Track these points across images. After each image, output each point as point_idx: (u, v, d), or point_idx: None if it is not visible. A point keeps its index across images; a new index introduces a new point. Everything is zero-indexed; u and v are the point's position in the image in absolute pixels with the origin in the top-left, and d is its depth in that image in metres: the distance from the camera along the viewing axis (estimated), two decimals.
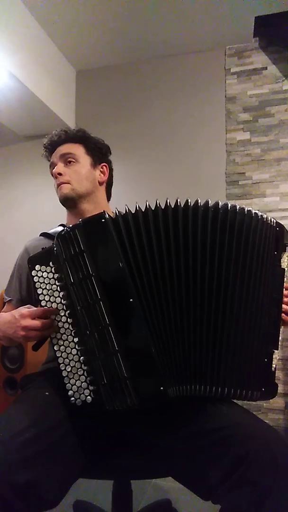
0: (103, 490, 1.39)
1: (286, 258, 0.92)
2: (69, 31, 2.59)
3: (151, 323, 0.77)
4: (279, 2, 2.34)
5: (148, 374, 0.75)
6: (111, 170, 1.25)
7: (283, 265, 0.89)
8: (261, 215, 0.85)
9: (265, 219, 0.86)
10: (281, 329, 0.88)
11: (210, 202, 0.83)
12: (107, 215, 0.80)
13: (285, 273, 0.92)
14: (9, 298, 1.14)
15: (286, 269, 0.91)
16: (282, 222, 2.90)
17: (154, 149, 2.81)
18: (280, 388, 2.43)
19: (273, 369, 0.85)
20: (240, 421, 0.76)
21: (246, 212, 0.83)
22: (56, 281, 0.85)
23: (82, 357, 0.80)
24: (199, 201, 0.82)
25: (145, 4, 2.34)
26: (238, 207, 0.83)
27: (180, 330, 0.79)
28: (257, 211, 0.85)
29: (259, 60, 2.64)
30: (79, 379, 0.79)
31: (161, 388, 0.73)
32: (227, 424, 0.75)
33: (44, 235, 1.15)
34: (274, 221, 0.88)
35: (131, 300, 0.76)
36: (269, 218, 0.87)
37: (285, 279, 0.91)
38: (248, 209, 0.84)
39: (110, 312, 0.76)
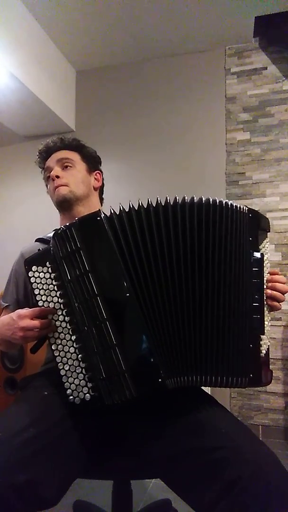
0: (103, 490, 1.40)
1: (267, 244, 0.93)
2: (69, 31, 2.59)
3: (147, 316, 0.79)
4: (279, 2, 2.34)
5: (146, 366, 0.76)
6: (103, 179, 1.28)
7: (263, 250, 0.91)
8: (234, 205, 0.87)
9: (237, 208, 0.88)
10: (268, 317, 0.89)
11: (195, 198, 0.85)
12: (102, 213, 0.82)
13: (268, 259, 0.94)
14: (6, 304, 1.15)
15: (267, 255, 0.93)
16: (282, 222, 2.89)
17: (154, 149, 2.81)
18: (280, 388, 2.43)
19: (262, 354, 0.85)
20: (236, 442, 0.74)
21: (224, 204, 0.86)
22: (53, 281, 0.86)
23: (80, 355, 0.81)
24: (186, 197, 0.85)
25: (145, 4, 2.34)
26: (218, 200, 0.85)
27: (176, 322, 0.81)
28: (229, 201, 0.87)
29: (259, 60, 2.64)
30: (77, 377, 0.80)
31: (159, 380, 0.75)
32: (223, 445, 0.74)
33: (40, 240, 1.16)
34: (246, 208, 0.90)
35: (128, 294, 0.78)
36: (241, 207, 0.88)
37: (268, 264, 0.93)
38: (225, 200, 0.86)
39: (107, 307, 0.78)
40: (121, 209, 0.83)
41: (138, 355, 0.77)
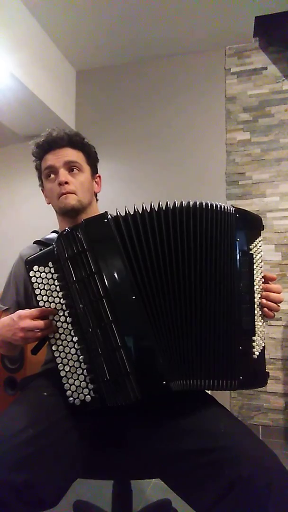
0: (103, 490, 1.40)
1: (260, 243, 0.92)
2: (69, 31, 2.59)
3: (152, 318, 0.79)
4: (279, 2, 2.34)
5: (151, 368, 0.77)
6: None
7: (254, 250, 0.90)
8: (219, 206, 0.87)
9: (222, 209, 0.87)
10: (260, 318, 0.89)
11: (190, 202, 0.85)
12: (109, 215, 0.82)
13: (262, 258, 0.93)
14: (6, 307, 1.13)
15: (261, 253, 0.92)
16: (282, 222, 2.89)
17: (154, 149, 2.81)
18: (280, 388, 2.43)
19: (255, 356, 0.85)
20: (236, 442, 0.74)
21: (209, 207, 0.86)
22: (55, 281, 0.85)
23: (81, 356, 0.81)
24: (183, 202, 0.85)
25: (145, 4, 2.34)
26: (205, 203, 0.85)
27: (176, 323, 0.81)
28: (215, 203, 0.86)
29: (259, 60, 2.64)
30: (78, 379, 0.80)
31: (164, 382, 0.75)
32: (223, 445, 0.74)
33: (38, 242, 1.15)
34: (233, 209, 0.89)
35: (134, 297, 0.78)
36: (227, 207, 0.88)
37: (262, 263, 0.92)
38: (210, 202, 0.86)
39: (113, 309, 0.78)
40: (127, 212, 0.83)
41: (143, 357, 0.77)
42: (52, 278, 0.86)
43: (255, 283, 0.88)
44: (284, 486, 0.69)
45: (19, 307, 1.10)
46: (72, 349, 0.82)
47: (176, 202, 0.85)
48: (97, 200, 1.23)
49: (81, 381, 0.79)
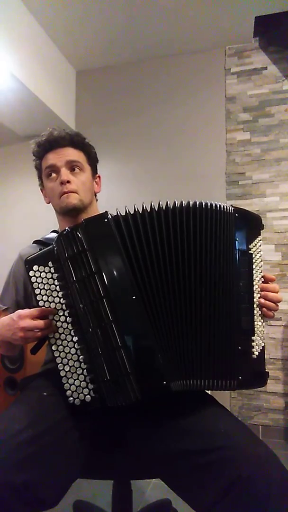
0: (103, 490, 1.39)
1: (260, 243, 0.92)
2: (69, 31, 2.59)
3: (152, 318, 0.79)
4: (279, 2, 2.34)
5: (151, 368, 0.77)
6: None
7: (254, 250, 0.90)
8: (218, 206, 0.87)
9: (221, 209, 0.87)
10: (260, 318, 0.89)
11: (190, 202, 0.85)
12: (109, 215, 0.82)
13: (262, 257, 0.92)
14: (6, 307, 1.13)
15: (260, 253, 0.91)
16: (282, 222, 2.88)
17: (154, 149, 2.81)
18: (280, 388, 2.43)
19: (254, 356, 0.85)
20: (236, 442, 0.74)
21: (208, 206, 0.86)
22: (55, 281, 0.85)
23: (81, 356, 0.81)
24: (183, 202, 0.85)
25: (145, 4, 2.34)
26: (204, 202, 0.86)
27: (176, 323, 0.81)
28: (214, 203, 0.86)
29: (259, 60, 2.64)
30: (78, 379, 0.80)
31: (164, 382, 0.75)
32: (223, 445, 0.74)
33: (38, 242, 1.15)
34: (232, 209, 0.89)
35: (134, 297, 0.78)
36: (226, 207, 0.88)
37: (262, 263, 0.92)
38: (209, 202, 0.86)
39: (113, 309, 0.77)
40: (127, 211, 0.83)
41: (144, 357, 0.77)
42: (52, 277, 0.86)
43: (254, 283, 0.88)
44: (284, 486, 0.69)
45: (18, 307, 1.10)
46: (72, 349, 0.82)
47: (176, 202, 0.85)
48: (96, 200, 1.23)
49: (81, 381, 0.79)
